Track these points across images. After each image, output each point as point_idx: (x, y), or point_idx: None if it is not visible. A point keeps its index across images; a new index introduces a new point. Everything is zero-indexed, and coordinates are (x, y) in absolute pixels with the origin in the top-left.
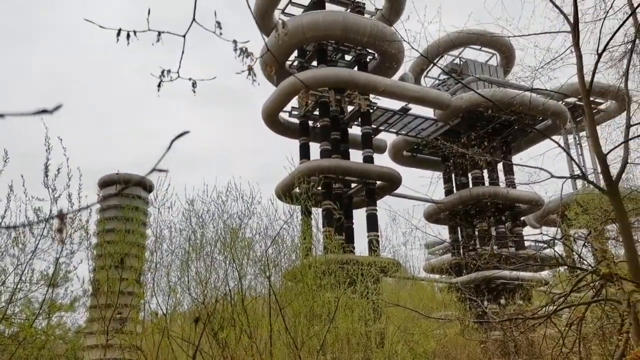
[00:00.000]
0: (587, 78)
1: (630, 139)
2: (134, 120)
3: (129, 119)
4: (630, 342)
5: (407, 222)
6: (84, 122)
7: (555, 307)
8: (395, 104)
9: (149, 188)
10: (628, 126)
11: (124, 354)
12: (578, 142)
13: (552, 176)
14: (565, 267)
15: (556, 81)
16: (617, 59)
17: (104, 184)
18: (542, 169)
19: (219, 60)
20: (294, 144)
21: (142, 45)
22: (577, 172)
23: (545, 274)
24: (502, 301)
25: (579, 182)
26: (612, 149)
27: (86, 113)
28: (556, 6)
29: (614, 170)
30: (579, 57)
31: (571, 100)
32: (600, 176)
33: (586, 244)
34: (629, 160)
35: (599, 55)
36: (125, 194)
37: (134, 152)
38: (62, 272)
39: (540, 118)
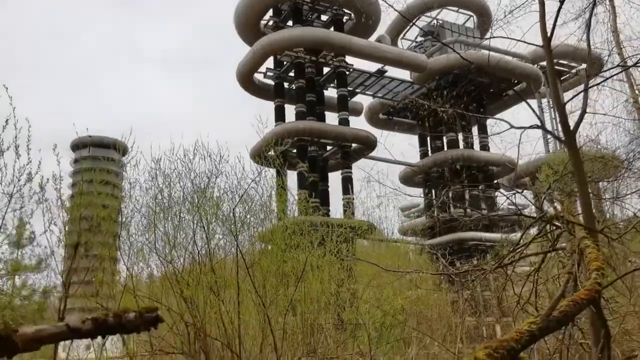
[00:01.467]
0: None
1: (589, 88)
2: (103, 87)
3: (97, 85)
4: (571, 284)
5: (381, 184)
6: (52, 89)
7: (510, 258)
8: (372, 66)
9: (122, 151)
10: (587, 75)
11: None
12: (552, 105)
13: (512, 126)
14: (529, 221)
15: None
16: (582, 10)
17: (76, 146)
18: (502, 120)
19: (187, 27)
20: (269, 107)
21: (109, 10)
22: (547, 128)
23: (516, 236)
24: (474, 262)
25: (552, 145)
26: (571, 98)
27: (55, 79)
28: None
29: (573, 124)
30: (542, 4)
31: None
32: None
33: (547, 197)
34: (587, 110)
35: (562, 2)
36: (98, 156)
37: (104, 117)
38: (27, 232)
39: (515, 81)
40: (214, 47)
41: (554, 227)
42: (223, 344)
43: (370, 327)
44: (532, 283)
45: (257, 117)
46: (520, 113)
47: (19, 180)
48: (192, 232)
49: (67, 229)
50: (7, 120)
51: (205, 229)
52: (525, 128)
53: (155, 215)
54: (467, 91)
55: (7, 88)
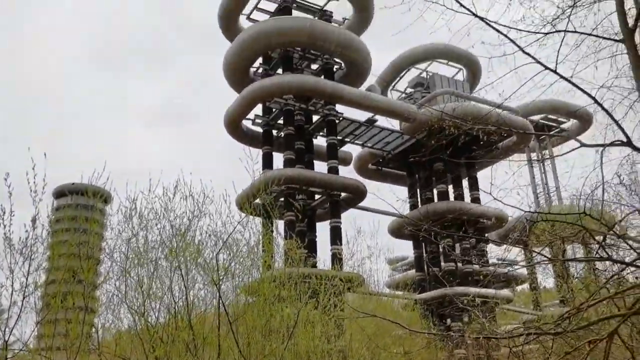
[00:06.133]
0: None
1: None
2: (86, 139)
3: (80, 138)
4: None
5: (372, 236)
6: (38, 138)
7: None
8: (362, 116)
9: (104, 199)
10: None
11: None
12: (541, 159)
13: (583, 144)
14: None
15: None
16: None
17: (59, 194)
18: (578, 140)
19: (175, 81)
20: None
21: (96, 66)
22: (540, 189)
23: (507, 291)
24: (466, 319)
25: (542, 200)
26: None
27: (40, 130)
28: None
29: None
30: None
31: (535, 118)
32: (562, 194)
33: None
34: None
35: None
36: (82, 204)
37: (87, 168)
38: None
39: (505, 134)
40: (198, 102)
41: None
42: None
43: None
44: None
45: (246, 153)
46: (505, 164)
47: None
48: (169, 281)
49: (41, 279)
50: None
51: (184, 277)
52: (605, 145)
53: (128, 261)
54: (458, 143)
55: None
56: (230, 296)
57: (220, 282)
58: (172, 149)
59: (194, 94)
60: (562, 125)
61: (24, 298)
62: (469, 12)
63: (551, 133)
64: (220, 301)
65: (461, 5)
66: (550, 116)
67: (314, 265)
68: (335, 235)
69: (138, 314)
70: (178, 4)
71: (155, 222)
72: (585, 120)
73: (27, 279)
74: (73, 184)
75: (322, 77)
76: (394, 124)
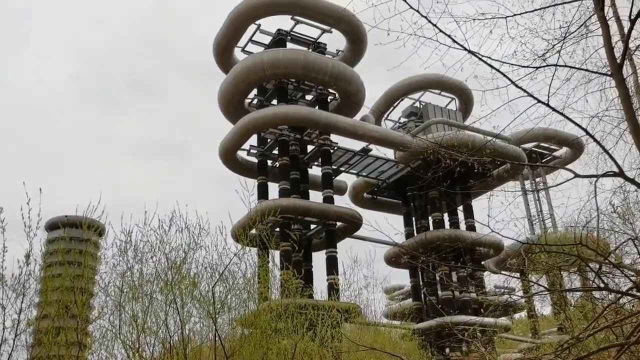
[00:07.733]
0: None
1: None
2: (76, 171)
3: (69, 169)
4: None
5: (369, 265)
6: (29, 171)
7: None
8: (356, 146)
9: (99, 231)
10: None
11: None
12: (535, 189)
13: (577, 175)
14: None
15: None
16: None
17: (51, 226)
18: (568, 169)
19: (164, 117)
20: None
21: (85, 98)
22: (534, 212)
23: (505, 319)
24: (464, 348)
25: (537, 228)
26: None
27: (29, 161)
28: None
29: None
30: (605, 24)
31: (527, 146)
32: (557, 221)
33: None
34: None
35: (632, 22)
36: (76, 237)
37: (78, 200)
38: None
39: (499, 162)
40: (191, 135)
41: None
42: None
43: None
44: None
45: (241, 183)
46: (499, 200)
47: None
48: (164, 314)
49: (33, 315)
50: None
51: (180, 311)
52: (598, 176)
53: (122, 295)
54: (451, 171)
55: None
56: (227, 329)
57: (217, 316)
58: (165, 182)
59: (186, 127)
60: (555, 153)
61: (15, 336)
62: (462, 48)
63: (544, 163)
64: (217, 335)
65: (454, 41)
66: (542, 144)
67: (311, 296)
68: (332, 265)
69: (132, 350)
70: (170, 39)
71: (151, 255)
72: (577, 149)
73: (19, 316)
74: (66, 216)
75: (317, 107)
76: (389, 153)
